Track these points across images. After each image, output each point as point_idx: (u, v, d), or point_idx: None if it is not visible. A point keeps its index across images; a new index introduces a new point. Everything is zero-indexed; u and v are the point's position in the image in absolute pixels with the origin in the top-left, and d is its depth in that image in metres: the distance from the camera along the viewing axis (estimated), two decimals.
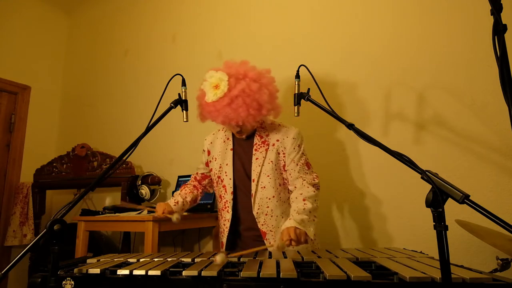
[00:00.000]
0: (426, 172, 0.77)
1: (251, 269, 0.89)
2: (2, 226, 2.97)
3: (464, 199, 0.70)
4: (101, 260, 1.15)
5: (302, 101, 1.28)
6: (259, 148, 1.48)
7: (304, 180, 1.41)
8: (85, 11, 3.61)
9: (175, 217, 1.44)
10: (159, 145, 2.74)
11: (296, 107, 1.25)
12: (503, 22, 0.80)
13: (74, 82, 3.55)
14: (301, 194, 1.35)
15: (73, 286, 0.96)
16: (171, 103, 1.27)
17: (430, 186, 0.73)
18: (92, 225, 2.20)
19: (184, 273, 0.90)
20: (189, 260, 1.08)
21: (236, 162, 1.50)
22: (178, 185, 2.43)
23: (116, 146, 2.90)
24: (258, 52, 2.40)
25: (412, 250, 1.25)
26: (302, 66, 1.30)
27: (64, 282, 0.96)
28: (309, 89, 1.31)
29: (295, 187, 1.42)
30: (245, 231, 1.48)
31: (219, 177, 1.52)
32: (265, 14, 2.45)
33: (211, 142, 1.60)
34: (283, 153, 1.45)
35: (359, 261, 1.01)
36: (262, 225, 1.43)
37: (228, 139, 1.55)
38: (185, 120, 1.32)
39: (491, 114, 1.65)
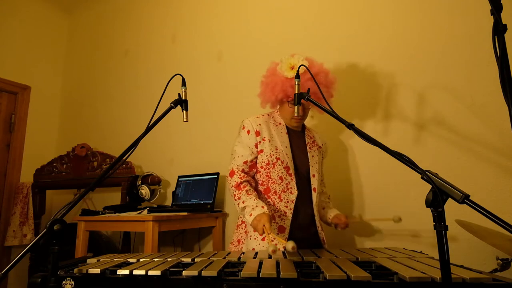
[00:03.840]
0: (426, 172, 0.77)
1: (251, 269, 0.89)
2: (2, 226, 2.97)
3: (464, 199, 0.69)
4: (101, 260, 1.15)
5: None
6: (312, 147, 1.60)
7: (324, 192, 1.75)
8: (85, 11, 3.61)
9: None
10: (159, 145, 2.74)
11: (296, 107, 1.25)
12: (503, 22, 0.79)
13: (74, 82, 3.55)
14: (329, 198, 1.73)
15: (73, 286, 0.96)
16: (171, 103, 1.27)
17: (430, 186, 0.73)
18: (92, 225, 2.20)
19: (184, 273, 0.90)
20: (189, 260, 1.08)
21: (293, 146, 1.55)
22: (178, 185, 2.44)
23: (116, 146, 2.90)
24: (258, 52, 2.40)
25: (412, 250, 1.25)
26: (302, 66, 1.30)
27: (64, 282, 0.96)
28: (309, 89, 1.31)
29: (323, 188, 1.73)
30: (304, 218, 1.51)
31: (278, 158, 1.49)
32: (265, 14, 2.45)
33: (259, 124, 1.53)
34: (323, 157, 1.68)
35: (359, 261, 1.01)
36: (316, 216, 1.54)
37: (280, 123, 1.58)
38: (185, 120, 1.32)
39: (491, 114, 1.65)
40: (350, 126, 1.02)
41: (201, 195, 2.28)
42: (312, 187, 1.52)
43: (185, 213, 2.09)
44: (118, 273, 0.96)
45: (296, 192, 1.46)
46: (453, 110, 1.74)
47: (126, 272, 0.95)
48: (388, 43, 1.96)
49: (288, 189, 1.47)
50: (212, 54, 2.64)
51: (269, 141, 1.50)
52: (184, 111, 1.31)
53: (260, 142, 1.50)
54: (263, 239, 1.43)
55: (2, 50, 3.13)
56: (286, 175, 1.47)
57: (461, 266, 0.92)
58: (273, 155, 1.49)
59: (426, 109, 1.81)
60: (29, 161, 3.18)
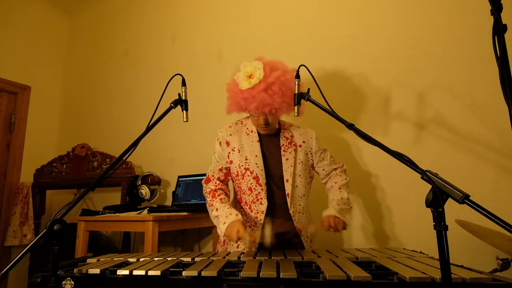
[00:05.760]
0: (426, 172, 0.77)
1: (251, 269, 0.89)
2: (2, 226, 2.97)
3: (464, 199, 0.70)
4: (101, 260, 1.15)
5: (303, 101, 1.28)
6: (287, 149, 1.50)
7: (336, 169, 1.57)
8: (85, 11, 3.61)
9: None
10: (159, 145, 2.74)
11: (296, 107, 1.25)
12: (503, 22, 0.79)
13: (74, 82, 3.55)
14: (336, 183, 1.53)
15: (73, 286, 0.96)
16: (171, 103, 1.27)
17: (430, 186, 0.73)
18: (92, 225, 2.20)
19: (184, 273, 0.90)
20: (189, 260, 1.08)
21: (264, 154, 1.49)
22: (178, 185, 2.44)
23: (116, 146, 2.90)
24: (258, 52, 2.38)
25: (412, 250, 1.25)
26: (302, 66, 1.30)
27: (64, 282, 0.96)
28: (309, 89, 1.30)
29: (330, 177, 1.57)
30: (279, 226, 1.43)
31: (247, 168, 1.46)
32: (265, 14, 2.45)
33: (230, 134, 1.53)
34: (310, 153, 1.55)
35: (359, 261, 1.01)
36: (297, 222, 1.45)
37: (252, 131, 1.52)
38: (185, 120, 1.32)
39: (491, 114, 1.65)
40: (350, 126, 1.02)
41: (201, 195, 2.27)
42: (286, 193, 1.44)
43: (185, 213, 2.09)
44: (118, 273, 0.96)
45: (266, 202, 1.42)
46: (453, 110, 1.74)
47: (126, 272, 0.95)
48: (388, 43, 1.96)
49: (258, 200, 1.44)
50: (212, 54, 2.64)
51: (239, 151, 1.49)
52: (184, 111, 1.31)
53: (230, 152, 1.51)
54: (237, 246, 1.43)
55: (2, 50, 3.12)
56: (255, 186, 1.44)
57: (461, 266, 0.92)
58: (242, 165, 1.47)
59: (426, 109, 1.81)
60: (29, 161, 3.18)
